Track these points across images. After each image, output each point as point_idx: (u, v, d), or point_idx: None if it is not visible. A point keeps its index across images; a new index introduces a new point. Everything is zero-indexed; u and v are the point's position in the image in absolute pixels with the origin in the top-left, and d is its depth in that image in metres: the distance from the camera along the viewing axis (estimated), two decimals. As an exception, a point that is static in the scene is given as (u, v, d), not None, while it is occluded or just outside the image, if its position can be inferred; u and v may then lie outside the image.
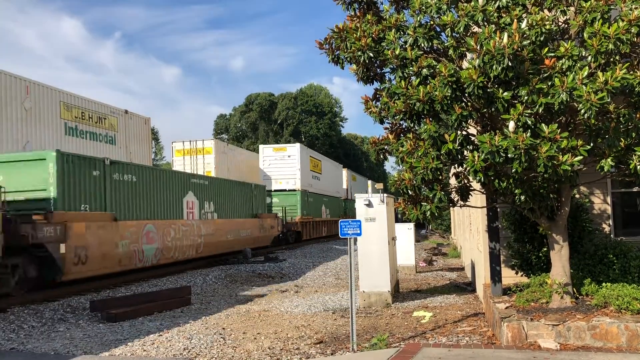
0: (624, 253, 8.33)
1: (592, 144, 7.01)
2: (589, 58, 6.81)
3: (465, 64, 7.35)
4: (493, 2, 7.13)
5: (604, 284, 7.98)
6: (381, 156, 8.42)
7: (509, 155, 6.52)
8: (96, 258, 13.78)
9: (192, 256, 18.99)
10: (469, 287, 13.44)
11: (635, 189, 9.59)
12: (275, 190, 32.09)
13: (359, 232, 7.75)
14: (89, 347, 8.39)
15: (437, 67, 7.15)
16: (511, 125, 6.63)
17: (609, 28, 6.57)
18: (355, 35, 7.85)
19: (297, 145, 33.83)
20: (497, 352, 6.84)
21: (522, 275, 9.15)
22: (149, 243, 16.22)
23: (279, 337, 8.71)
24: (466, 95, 7.07)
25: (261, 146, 34.55)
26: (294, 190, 32.41)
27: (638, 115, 6.94)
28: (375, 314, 10.43)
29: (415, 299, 11.92)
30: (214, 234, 20.51)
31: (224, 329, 9.50)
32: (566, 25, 7.51)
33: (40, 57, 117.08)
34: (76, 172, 13.46)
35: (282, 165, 32.41)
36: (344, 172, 48.35)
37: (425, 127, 7.27)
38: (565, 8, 7.33)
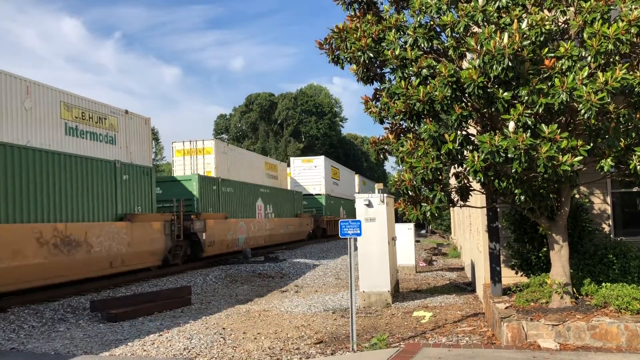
0: (624, 253, 8.33)
1: (592, 144, 7.01)
2: (589, 58, 6.81)
3: (465, 64, 7.36)
4: (493, 2, 7.13)
5: (603, 284, 7.99)
6: (381, 156, 8.43)
7: (509, 155, 6.52)
8: (218, 243, 21.01)
9: (261, 244, 26.44)
10: (469, 287, 13.44)
11: (635, 189, 9.59)
12: (305, 195, 37.51)
13: (358, 232, 7.75)
14: (89, 347, 8.40)
15: (437, 67, 7.16)
16: (511, 125, 6.64)
17: (608, 28, 6.57)
18: (355, 35, 7.85)
19: (322, 157, 40.50)
20: (497, 352, 6.84)
21: (522, 275, 9.15)
22: (241, 234, 23.61)
23: (279, 337, 8.72)
24: (466, 95, 7.08)
25: (292, 158, 41.48)
26: (320, 194, 38.83)
27: (638, 116, 6.95)
28: (375, 314, 10.44)
29: (415, 299, 11.93)
30: (273, 229, 28.05)
31: (224, 329, 9.51)
32: (566, 26, 7.51)
33: (40, 57, 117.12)
34: (206, 187, 20.71)
35: (310, 175, 39.05)
36: (356, 177, 53.99)
37: (425, 127, 7.27)
38: (565, 8, 7.33)
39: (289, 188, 36.37)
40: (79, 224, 13.54)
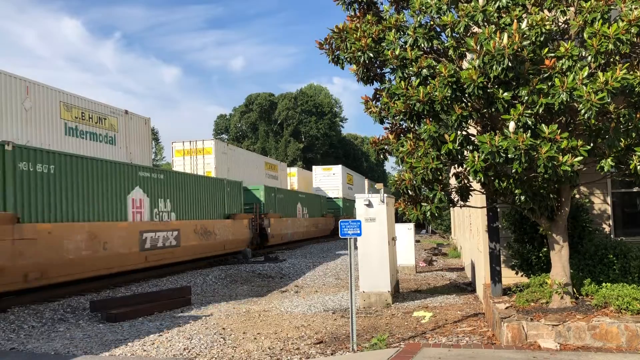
0: (624, 253, 8.32)
1: (592, 144, 7.01)
2: (589, 58, 6.80)
3: (465, 65, 7.35)
4: (493, 2, 7.12)
5: (604, 284, 7.98)
6: (381, 156, 8.43)
7: (509, 155, 6.52)
8: (276, 235, 28.26)
9: (300, 238, 33.73)
10: (469, 287, 13.44)
11: (635, 189, 9.59)
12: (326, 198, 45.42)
13: (358, 232, 7.75)
14: (89, 347, 8.40)
15: (437, 67, 7.15)
16: (511, 125, 6.63)
17: (609, 28, 6.57)
18: (355, 35, 7.85)
19: (340, 166, 48.40)
20: (497, 352, 6.84)
21: (522, 276, 9.15)
22: (289, 230, 31.01)
23: (279, 337, 8.71)
24: (466, 95, 7.07)
25: (314, 167, 49.17)
26: (338, 198, 45.90)
27: (638, 116, 6.94)
28: (375, 314, 10.43)
29: (415, 299, 11.92)
30: (308, 226, 35.77)
31: (224, 329, 9.50)
32: (566, 26, 7.51)
33: (40, 57, 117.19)
34: (268, 194, 27.91)
35: (329, 181, 46.54)
36: (365, 181, 61.55)
37: (425, 127, 7.27)
38: (565, 8, 7.32)
39: (313, 192, 44.39)
40: (209, 221, 20.90)
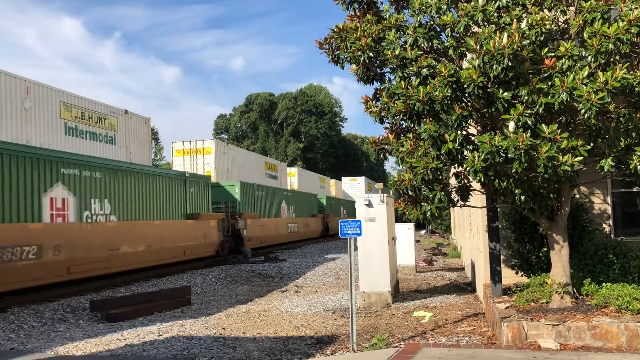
0: (624, 253, 8.32)
1: (592, 144, 7.00)
2: (589, 58, 6.80)
3: (465, 64, 7.35)
4: (493, 2, 7.11)
5: (604, 284, 7.97)
6: (381, 156, 8.42)
7: (509, 155, 6.51)
8: (332, 228, 41.80)
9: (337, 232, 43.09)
10: (469, 287, 13.44)
11: (635, 189, 9.59)
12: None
13: (358, 232, 7.74)
14: (88, 347, 8.39)
15: (437, 67, 7.14)
16: (511, 125, 6.63)
17: (609, 28, 6.56)
18: (355, 35, 7.84)
19: (363, 177, 60.05)
20: (497, 352, 6.83)
21: (522, 275, 9.14)
22: (334, 225, 42.11)
23: (279, 337, 8.71)
24: (466, 95, 7.06)
25: (343, 178, 60.19)
26: None
27: (638, 115, 6.94)
28: (375, 314, 10.43)
29: (415, 299, 11.92)
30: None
31: (224, 328, 9.50)
32: (566, 25, 7.50)
33: (40, 57, 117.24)
34: (327, 201, 43.56)
35: (355, 189, 56.98)
36: (377, 186, 67.68)
37: (425, 127, 7.26)
38: (565, 8, 7.32)
39: (341, 198, 55.60)
40: (306, 218, 36.41)
